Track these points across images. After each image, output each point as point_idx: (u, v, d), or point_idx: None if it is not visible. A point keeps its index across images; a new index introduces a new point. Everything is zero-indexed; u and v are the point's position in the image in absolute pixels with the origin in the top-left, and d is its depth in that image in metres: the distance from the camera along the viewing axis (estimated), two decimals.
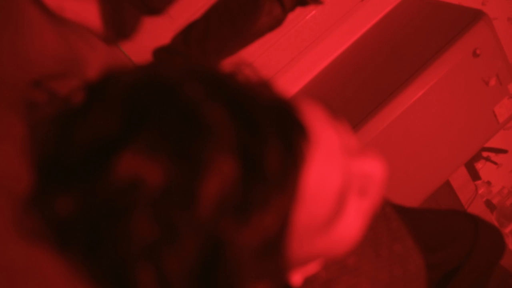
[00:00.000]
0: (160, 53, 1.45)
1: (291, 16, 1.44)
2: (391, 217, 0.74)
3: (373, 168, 0.47)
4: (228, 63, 0.44)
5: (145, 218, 0.33)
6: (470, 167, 2.33)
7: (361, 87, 1.77)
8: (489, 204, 2.56)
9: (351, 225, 0.46)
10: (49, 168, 0.37)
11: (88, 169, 0.34)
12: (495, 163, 2.45)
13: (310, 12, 1.94)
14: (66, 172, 0.35)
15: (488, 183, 2.57)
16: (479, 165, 2.43)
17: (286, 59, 2.01)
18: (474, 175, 2.36)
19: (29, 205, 0.36)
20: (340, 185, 0.43)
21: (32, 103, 0.46)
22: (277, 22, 1.39)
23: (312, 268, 0.57)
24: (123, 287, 0.35)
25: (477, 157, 2.37)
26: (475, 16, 1.57)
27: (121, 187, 0.33)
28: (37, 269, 0.32)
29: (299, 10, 1.43)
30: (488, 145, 2.22)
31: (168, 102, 0.36)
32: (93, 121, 0.36)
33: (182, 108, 0.36)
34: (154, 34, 1.51)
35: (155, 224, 0.34)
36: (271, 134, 0.37)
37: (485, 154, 2.42)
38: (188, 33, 1.42)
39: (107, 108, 0.36)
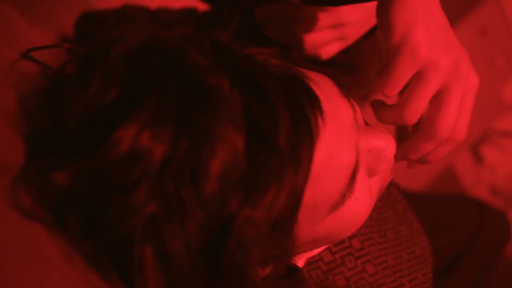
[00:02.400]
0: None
1: None
2: (396, 198, 0.73)
3: (382, 145, 0.45)
4: None
5: (148, 193, 0.31)
6: (475, 151, 2.31)
7: None
8: (493, 189, 2.54)
9: (361, 203, 0.44)
10: (44, 140, 0.36)
11: (89, 141, 0.33)
12: (501, 147, 2.43)
13: None
14: (64, 144, 0.34)
15: (493, 167, 2.55)
16: (484, 149, 2.41)
17: None
18: (479, 159, 2.34)
19: (26, 179, 0.34)
20: (352, 161, 0.41)
21: (22, 73, 0.44)
22: None
23: (315, 249, 0.55)
24: (123, 264, 0.33)
25: (482, 140, 2.34)
26: None
27: (123, 160, 0.31)
28: (34, 246, 0.31)
29: None
30: (494, 127, 2.20)
31: (172, 70, 0.34)
32: (93, 90, 0.34)
33: (187, 77, 0.34)
34: None
35: (159, 198, 0.32)
36: (281, 105, 0.35)
37: (490, 137, 2.40)
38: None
39: (108, 77, 0.34)
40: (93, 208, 0.32)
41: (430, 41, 0.42)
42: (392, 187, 0.74)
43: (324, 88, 0.41)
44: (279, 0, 0.56)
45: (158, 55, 0.36)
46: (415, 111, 0.44)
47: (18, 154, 0.37)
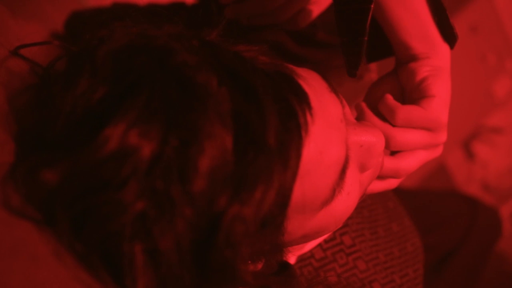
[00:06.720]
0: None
1: None
2: (387, 195, 0.73)
3: (372, 139, 0.45)
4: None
5: (137, 190, 0.31)
6: (467, 147, 2.32)
7: None
8: (485, 185, 2.55)
9: (352, 198, 0.44)
10: (34, 139, 0.36)
11: (77, 140, 0.33)
12: (492, 143, 2.43)
13: None
14: (52, 142, 0.34)
15: (485, 164, 2.56)
16: (475, 146, 2.42)
17: None
18: (471, 155, 2.35)
19: (15, 177, 0.34)
20: (342, 156, 0.41)
21: (12, 71, 0.44)
22: None
23: (307, 246, 0.56)
24: (113, 262, 0.33)
25: (473, 137, 2.35)
26: None
27: (112, 159, 0.31)
28: (23, 245, 0.31)
29: None
30: (485, 124, 2.21)
31: (160, 68, 0.34)
32: (80, 89, 0.34)
33: (176, 75, 0.34)
34: None
35: (148, 196, 0.32)
36: (269, 102, 0.35)
37: (482, 133, 2.41)
38: None
39: (95, 75, 0.34)
40: (83, 206, 0.32)
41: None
42: None
43: (313, 84, 0.41)
44: None
45: (146, 54, 0.35)
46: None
47: (8, 152, 0.36)
